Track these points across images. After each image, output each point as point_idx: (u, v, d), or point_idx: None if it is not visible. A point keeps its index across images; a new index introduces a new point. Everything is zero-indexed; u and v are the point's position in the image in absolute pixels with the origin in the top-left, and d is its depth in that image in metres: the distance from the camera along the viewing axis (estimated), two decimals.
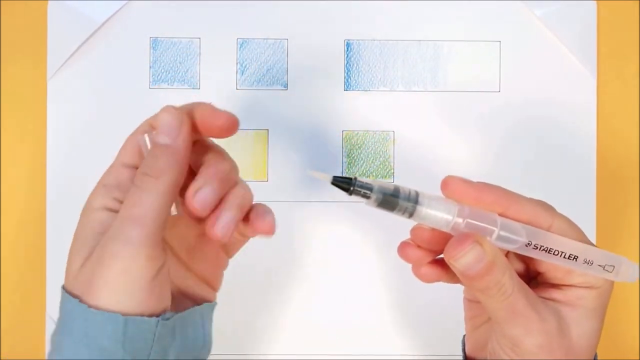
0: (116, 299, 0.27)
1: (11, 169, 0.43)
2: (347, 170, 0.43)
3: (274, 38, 0.43)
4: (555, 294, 0.30)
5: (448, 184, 0.28)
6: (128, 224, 0.27)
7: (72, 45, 0.43)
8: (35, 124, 0.43)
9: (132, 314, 0.27)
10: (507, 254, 0.31)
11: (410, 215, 0.28)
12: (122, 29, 0.43)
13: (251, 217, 0.30)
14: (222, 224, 0.28)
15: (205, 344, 0.31)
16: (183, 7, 0.43)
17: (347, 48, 0.43)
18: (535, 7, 0.43)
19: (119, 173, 0.31)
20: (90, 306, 0.27)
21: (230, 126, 0.29)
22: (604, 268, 0.28)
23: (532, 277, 0.32)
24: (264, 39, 0.43)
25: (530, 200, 0.29)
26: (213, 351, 0.32)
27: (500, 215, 0.28)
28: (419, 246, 0.30)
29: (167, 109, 0.28)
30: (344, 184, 0.27)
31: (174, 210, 0.31)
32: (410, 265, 0.32)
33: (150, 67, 0.43)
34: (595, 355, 0.31)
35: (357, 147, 0.43)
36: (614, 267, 0.28)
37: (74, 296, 0.28)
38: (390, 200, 0.27)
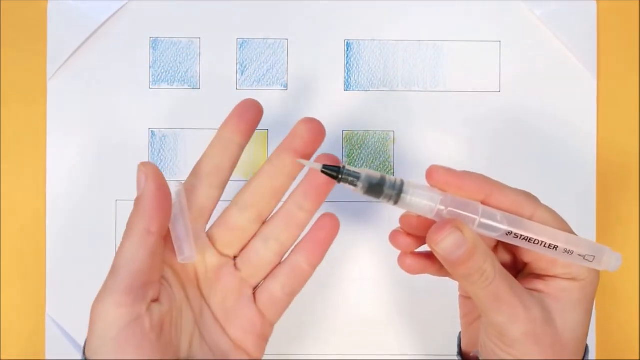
0: (98, 345, 0.29)
1: (11, 169, 0.43)
2: None
3: (274, 38, 0.43)
4: (539, 285, 0.30)
5: (432, 173, 0.29)
6: (108, 274, 0.30)
7: (72, 45, 0.43)
8: (35, 124, 0.43)
9: None
10: (497, 245, 0.32)
11: (395, 202, 0.29)
12: (122, 29, 0.43)
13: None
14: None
15: None
16: (183, 7, 0.43)
17: (347, 48, 0.43)
18: (535, 7, 0.43)
19: None
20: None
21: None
22: (584, 257, 0.29)
23: (520, 269, 0.32)
24: (264, 39, 0.43)
25: (514, 189, 0.30)
26: None
27: (483, 203, 0.29)
28: (408, 234, 0.31)
29: (139, 164, 0.31)
30: (333, 172, 0.29)
31: (215, 265, 0.33)
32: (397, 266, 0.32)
33: (150, 67, 0.43)
34: (587, 348, 0.31)
35: (357, 147, 0.43)
36: (594, 256, 0.29)
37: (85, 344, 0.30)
38: (376, 188, 0.29)
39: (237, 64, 0.43)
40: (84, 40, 0.43)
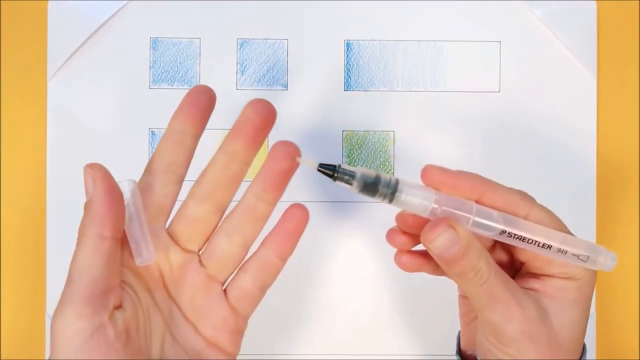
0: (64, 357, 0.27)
1: (11, 169, 0.43)
2: None
3: (274, 38, 0.43)
4: (535, 284, 0.30)
5: (426, 173, 0.29)
6: (65, 285, 0.28)
7: (72, 45, 0.43)
8: (35, 124, 0.43)
9: None
10: (494, 245, 0.32)
11: (390, 201, 0.29)
12: (122, 29, 0.43)
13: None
14: None
15: None
16: (183, 7, 0.43)
17: (347, 48, 0.43)
18: (535, 7, 0.43)
19: None
20: None
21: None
22: (578, 257, 0.29)
23: (517, 268, 0.32)
24: (264, 39, 0.43)
25: (509, 189, 0.30)
26: None
27: (478, 202, 0.29)
28: (404, 232, 0.31)
29: (84, 166, 0.30)
30: (329, 170, 0.29)
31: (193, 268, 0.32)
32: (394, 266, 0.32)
33: (150, 67, 0.43)
34: (584, 347, 0.31)
35: (357, 147, 0.43)
36: (588, 256, 0.29)
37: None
38: (371, 186, 0.29)
39: (237, 64, 0.43)
40: (84, 40, 0.43)
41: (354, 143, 0.43)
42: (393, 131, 0.43)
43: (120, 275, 0.30)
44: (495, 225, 0.29)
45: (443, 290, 0.43)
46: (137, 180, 0.31)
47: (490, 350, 0.30)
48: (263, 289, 0.32)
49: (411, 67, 0.44)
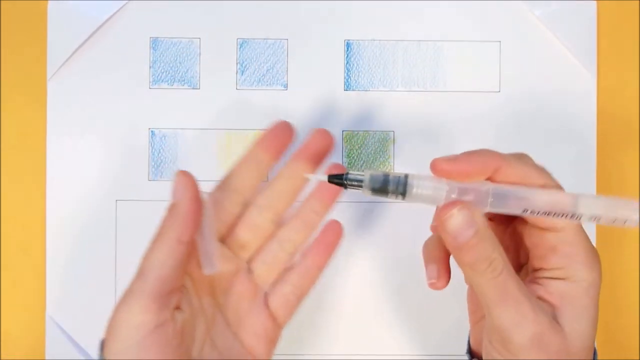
0: (121, 348, 0.29)
1: (11, 169, 0.43)
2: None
3: (274, 38, 0.43)
4: (540, 291, 0.29)
5: (435, 166, 0.29)
6: (134, 278, 0.30)
7: (72, 45, 0.43)
8: (35, 124, 0.43)
9: None
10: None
11: (403, 197, 0.29)
12: (122, 29, 0.43)
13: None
14: None
15: None
16: (183, 7, 0.43)
17: (347, 48, 0.43)
18: (535, 7, 0.43)
19: None
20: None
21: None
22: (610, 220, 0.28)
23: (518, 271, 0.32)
24: (264, 39, 0.43)
25: (523, 162, 0.29)
26: None
27: (492, 179, 0.29)
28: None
29: (177, 172, 0.31)
30: (338, 180, 0.30)
31: (228, 272, 0.33)
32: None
33: (150, 67, 0.43)
34: (595, 353, 0.30)
35: (357, 147, 0.43)
36: (616, 218, 0.28)
37: (102, 344, 0.30)
38: (381, 188, 0.29)
39: (237, 64, 0.43)
40: (84, 40, 0.43)
41: (354, 143, 0.43)
42: (393, 131, 0.43)
43: (184, 278, 0.31)
44: (514, 203, 0.28)
45: (445, 290, 0.43)
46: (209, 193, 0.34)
47: (495, 357, 0.29)
48: (301, 298, 0.35)
49: (411, 67, 0.44)
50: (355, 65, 0.43)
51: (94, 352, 0.42)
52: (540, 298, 0.29)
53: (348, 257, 0.43)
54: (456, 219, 0.27)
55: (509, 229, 0.32)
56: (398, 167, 0.43)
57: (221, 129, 0.43)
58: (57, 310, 0.43)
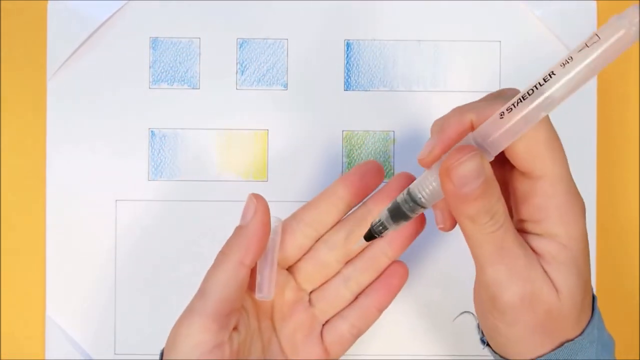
0: None
1: (11, 169, 0.43)
2: (347, 170, 0.43)
3: (274, 38, 0.43)
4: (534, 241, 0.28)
5: (421, 162, 0.28)
6: (196, 296, 0.30)
7: (72, 45, 0.43)
8: (35, 124, 0.43)
9: None
10: None
11: (423, 207, 0.29)
12: (122, 29, 0.43)
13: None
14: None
15: None
16: (183, 7, 0.43)
17: (347, 48, 0.43)
18: (535, 7, 0.43)
19: None
20: None
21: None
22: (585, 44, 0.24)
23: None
24: (264, 39, 0.43)
25: (493, 99, 0.28)
26: None
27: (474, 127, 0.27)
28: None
29: (248, 195, 0.32)
30: (373, 235, 0.31)
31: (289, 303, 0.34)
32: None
33: (150, 67, 0.43)
34: (594, 300, 0.29)
35: (357, 147, 0.43)
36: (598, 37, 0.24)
37: (162, 353, 0.31)
38: (400, 213, 0.30)
39: (237, 64, 0.43)
40: (84, 40, 0.43)
41: (354, 143, 0.43)
42: (393, 131, 0.43)
43: (243, 299, 0.32)
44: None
45: (447, 292, 0.43)
46: (283, 220, 0.34)
47: (486, 318, 0.29)
48: (357, 336, 0.35)
49: (411, 67, 0.44)
50: (355, 65, 0.43)
51: (94, 352, 0.42)
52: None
53: None
54: (466, 167, 0.25)
55: (498, 173, 0.30)
56: (398, 167, 0.43)
57: (221, 129, 0.43)
58: (57, 310, 0.43)
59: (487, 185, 0.26)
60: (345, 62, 0.43)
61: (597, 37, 0.23)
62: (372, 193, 0.35)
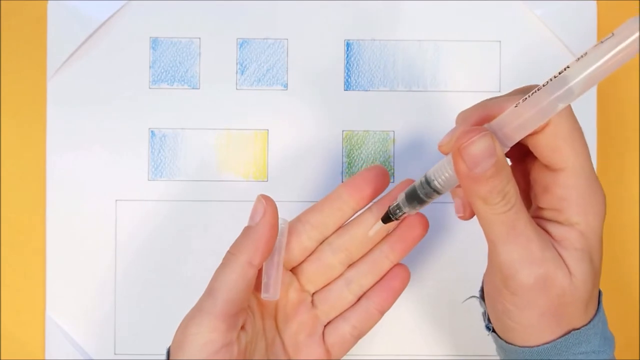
0: None
1: (11, 169, 0.43)
2: (347, 170, 0.43)
3: (274, 38, 0.43)
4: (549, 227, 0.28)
5: (440, 148, 0.29)
6: (204, 295, 0.31)
7: (72, 45, 0.43)
8: (35, 124, 0.43)
9: None
10: None
11: (438, 192, 0.29)
12: (122, 29, 0.43)
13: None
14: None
15: None
16: (183, 7, 0.43)
17: (347, 48, 0.43)
18: (535, 7, 0.43)
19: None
20: None
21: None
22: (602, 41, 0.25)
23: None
24: (264, 39, 0.43)
25: (515, 93, 0.28)
26: None
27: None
28: None
29: (257, 196, 0.32)
30: (390, 217, 0.32)
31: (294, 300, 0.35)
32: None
33: (150, 67, 0.43)
34: (600, 294, 0.29)
35: (357, 147, 0.43)
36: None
37: (168, 352, 0.31)
38: (415, 197, 0.30)
39: (237, 64, 0.43)
40: (84, 40, 0.43)
41: (354, 143, 0.43)
42: (393, 131, 0.43)
43: (250, 299, 0.33)
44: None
45: (448, 291, 0.43)
46: (289, 221, 0.34)
47: (496, 300, 0.29)
48: (358, 338, 0.35)
49: (411, 67, 0.43)
50: (355, 65, 0.43)
51: (94, 352, 0.42)
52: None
53: None
54: (477, 146, 0.26)
55: (519, 167, 0.31)
56: (398, 167, 0.43)
57: (221, 129, 0.43)
58: (57, 310, 0.43)
59: (498, 165, 0.26)
60: (345, 62, 0.43)
61: (612, 34, 0.24)
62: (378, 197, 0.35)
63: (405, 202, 0.31)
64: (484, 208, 0.27)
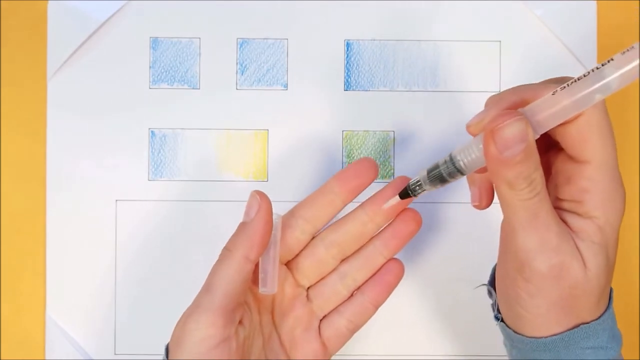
0: (186, 359, 0.30)
1: (11, 169, 0.43)
2: None
3: (274, 38, 0.43)
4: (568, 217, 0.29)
5: (469, 128, 0.29)
6: (201, 292, 0.31)
7: (72, 45, 0.43)
8: (35, 124, 0.43)
9: None
10: None
11: (462, 173, 0.29)
12: (122, 29, 0.43)
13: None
14: None
15: None
16: (183, 7, 0.43)
17: (347, 48, 0.43)
18: (535, 7, 0.43)
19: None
20: None
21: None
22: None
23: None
24: (264, 39, 0.43)
25: (549, 82, 0.29)
26: None
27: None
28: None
29: (251, 192, 0.32)
30: (406, 192, 0.32)
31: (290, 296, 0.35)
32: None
33: (150, 67, 0.43)
34: (611, 290, 0.29)
35: (357, 147, 0.43)
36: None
37: (167, 349, 0.31)
38: (437, 175, 0.30)
39: (237, 64, 0.43)
40: (84, 40, 0.43)
41: (354, 143, 0.43)
42: (393, 131, 0.43)
43: (247, 294, 0.33)
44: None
45: (448, 291, 0.43)
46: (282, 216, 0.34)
47: (508, 287, 0.29)
48: (354, 331, 0.36)
49: (411, 67, 0.44)
50: (355, 65, 0.43)
51: (94, 352, 0.42)
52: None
53: None
54: (511, 129, 0.26)
55: (544, 157, 0.31)
56: (398, 166, 0.43)
57: (221, 129, 0.43)
58: (57, 310, 0.43)
59: (528, 151, 0.26)
60: (345, 62, 0.43)
61: None
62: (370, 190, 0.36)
63: (427, 180, 0.31)
64: (509, 193, 0.27)
